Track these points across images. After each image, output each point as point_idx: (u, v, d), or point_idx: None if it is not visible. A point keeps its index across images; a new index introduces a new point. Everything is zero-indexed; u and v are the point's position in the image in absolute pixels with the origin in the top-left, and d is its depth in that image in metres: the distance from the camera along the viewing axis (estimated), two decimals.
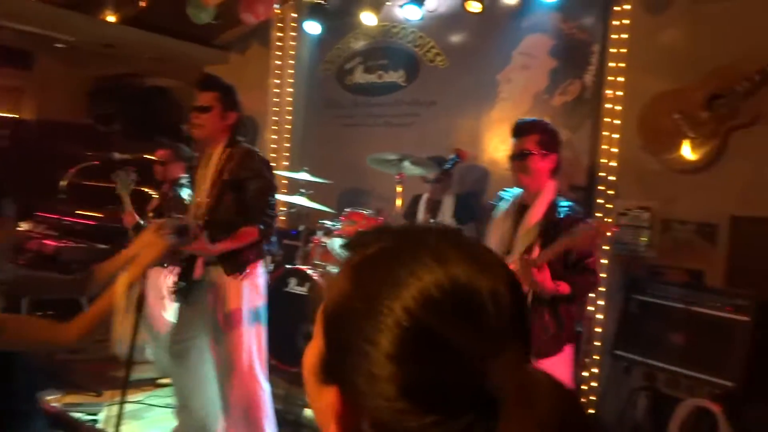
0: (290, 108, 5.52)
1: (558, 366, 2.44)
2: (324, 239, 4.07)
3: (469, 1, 4.18)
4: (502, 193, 2.75)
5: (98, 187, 5.83)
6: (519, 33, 4.36)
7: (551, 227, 2.45)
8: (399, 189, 3.65)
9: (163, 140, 4.22)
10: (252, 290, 2.89)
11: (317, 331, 0.54)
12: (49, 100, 6.81)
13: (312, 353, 0.55)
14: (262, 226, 2.79)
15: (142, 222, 4.03)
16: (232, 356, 2.81)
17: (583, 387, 3.77)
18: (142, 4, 4.68)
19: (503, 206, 2.68)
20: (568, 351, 2.54)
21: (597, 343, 3.76)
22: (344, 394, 0.50)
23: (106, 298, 1.55)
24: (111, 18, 4.76)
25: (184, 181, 3.98)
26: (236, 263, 2.81)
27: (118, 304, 1.52)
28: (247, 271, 2.84)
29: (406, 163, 3.68)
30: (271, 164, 3.01)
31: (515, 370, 0.45)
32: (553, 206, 2.53)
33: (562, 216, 2.49)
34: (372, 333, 0.48)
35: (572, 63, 4.17)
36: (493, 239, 2.55)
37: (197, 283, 2.86)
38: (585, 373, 3.77)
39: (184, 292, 2.90)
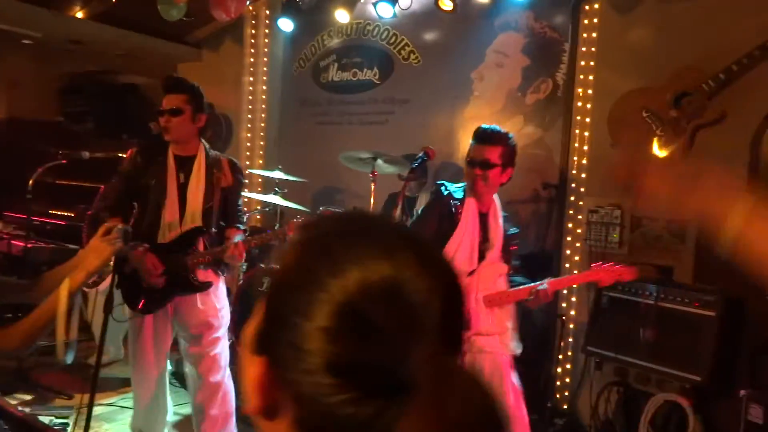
0: (264, 106, 5.47)
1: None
2: None
3: (442, 0, 4.18)
4: (449, 186, 2.70)
5: (69, 186, 5.74)
6: (492, 31, 4.38)
7: (505, 241, 2.66)
8: (372, 187, 3.64)
9: (132, 139, 4.16)
10: (223, 290, 2.98)
11: (260, 304, 0.56)
12: (18, 98, 6.67)
13: (251, 325, 0.57)
14: (241, 226, 2.99)
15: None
16: (215, 356, 2.87)
17: (557, 383, 3.80)
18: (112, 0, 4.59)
19: (457, 198, 2.66)
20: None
21: (570, 340, 3.80)
22: (271, 366, 0.52)
23: (48, 303, 1.51)
24: (79, 14, 4.67)
25: None
26: (219, 265, 2.89)
27: (60, 309, 1.48)
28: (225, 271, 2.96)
29: (379, 161, 3.68)
30: (246, 163, 3.16)
31: (435, 363, 0.47)
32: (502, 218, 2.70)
33: (509, 232, 2.70)
34: (306, 307, 0.49)
35: (544, 61, 4.20)
36: (465, 243, 2.56)
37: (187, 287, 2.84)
38: (558, 369, 3.81)
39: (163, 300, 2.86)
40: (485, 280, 2.53)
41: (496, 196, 2.68)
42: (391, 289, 0.49)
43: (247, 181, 3.02)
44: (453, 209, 2.57)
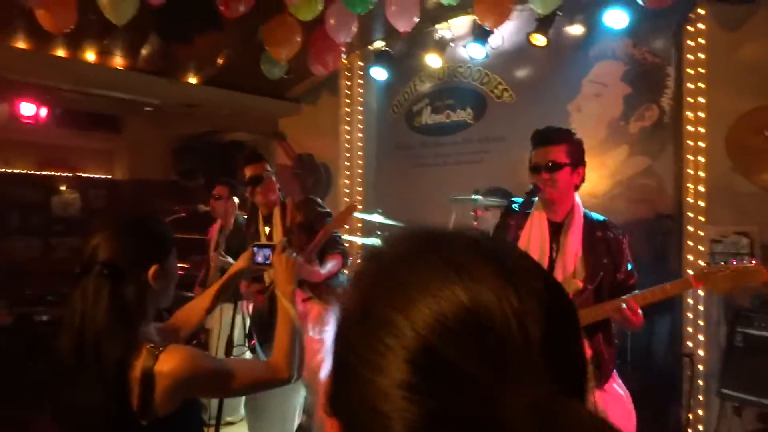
0: (361, 153, 5.63)
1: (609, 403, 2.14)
2: None
3: (533, 35, 4.16)
4: (517, 200, 2.44)
5: (184, 239, 6.15)
6: (588, 61, 4.29)
7: (602, 251, 2.24)
8: (474, 224, 3.60)
9: (222, 178, 4.44)
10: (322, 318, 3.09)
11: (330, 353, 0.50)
12: (138, 160, 7.30)
13: (327, 380, 0.49)
14: (341, 251, 3.12)
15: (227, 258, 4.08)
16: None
17: (688, 431, 3.47)
18: (220, 61, 4.97)
19: (516, 210, 2.40)
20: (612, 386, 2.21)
21: (700, 383, 3.47)
22: (345, 430, 0.45)
23: (283, 322, 1.52)
24: (192, 80, 5.09)
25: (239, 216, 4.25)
26: (327, 293, 3.04)
27: (296, 321, 1.52)
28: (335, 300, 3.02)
29: (480, 198, 3.64)
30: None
31: (539, 408, 0.38)
32: (589, 226, 2.28)
33: (611, 236, 2.27)
34: (376, 357, 0.42)
35: (647, 88, 4.04)
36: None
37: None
38: (690, 416, 3.48)
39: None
40: None
41: (578, 201, 2.32)
42: (469, 318, 0.41)
43: (324, 209, 3.20)
44: (515, 224, 2.34)
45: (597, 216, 2.35)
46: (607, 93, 4.22)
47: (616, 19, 3.71)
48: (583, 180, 2.30)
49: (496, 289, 0.42)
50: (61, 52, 4.43)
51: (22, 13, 3.72)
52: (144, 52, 4.56)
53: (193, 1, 3.86)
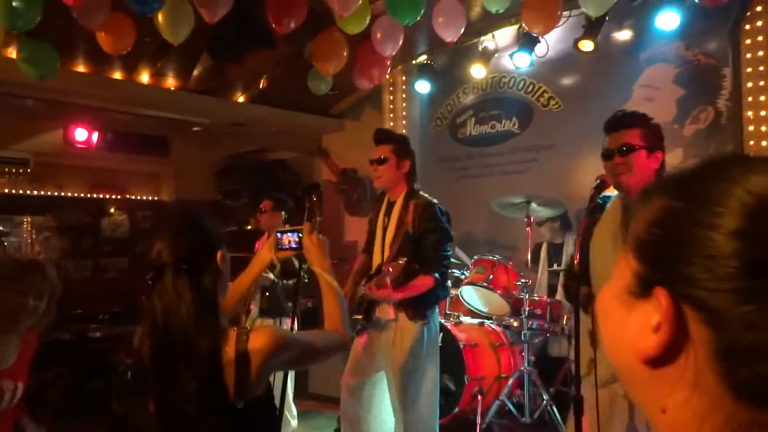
0: None
1: None
2: (453, 289, 4.02)
3: (581, 42, 4.14)
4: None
5: (232, 257, 6.24)
6: (638, 66, 4.24)
7: None
8: (528, 231, 3.55)
9: (269, 192, 4.48)
10: (429, 334, 2.93)
11: (620, 265, 0.51)
12: (184, 181, 7.47)
13: (615, 285, 0.51)
14: (437, 275, 2.84)
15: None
16: (410, 396, 2.86)
17: None
18: (264, 81, 5.07)
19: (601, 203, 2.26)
20: None
21: None
22: (671, 289, 0.45)
23: (329, 294, 1.63)
24: (240, 98, 5.21)
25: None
26: (418, 309, 2.87)
27: (339, 290, 1.65)
28: (427, 317, 2.90)
29: (534, 205, 3.60)
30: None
31: None
32: None
33: None
34: (709, 218, 0.44)
35: (701, 90, 3.96)
36: (598, 239, 2.17)
37: (376, 323, 2.94)
38: None
39: (361, 329, 2.97)
40: None
41: None
42: None
43: (447, 228, 2.91)
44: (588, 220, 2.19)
45: None
46: (659, 97, 4.15)
47: (668, 21, 3.67)
48: (662, 165, 2.16)
49: None
50: (117, 75, 4.60)
51: (83, 37, 3.88)
52: (196, 72, 4.70)
53: (244, 19, 3.96)
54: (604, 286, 0.54)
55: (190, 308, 1.33)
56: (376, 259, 2.93)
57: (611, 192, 2.27)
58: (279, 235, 1.81)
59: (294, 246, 1.79)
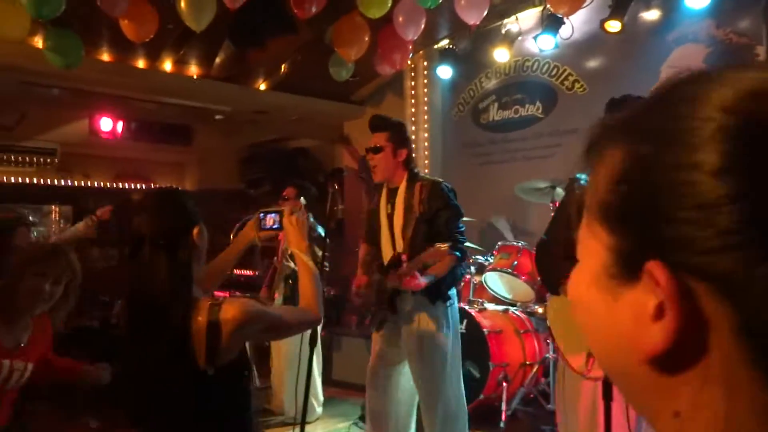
0: (427, 152, 5.61)
1: None
2: (477, 275, 3.99)
3: (608, 22, 4.05)
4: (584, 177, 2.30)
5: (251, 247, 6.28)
6: (666, 46, 4.13)
7: None
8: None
9: (293, 180, 4.46)
10: (452, 314, 2.90)
11: (586, 243, 0.42)
12: (207, 170, 7.52)
13: (586, 269, 0.42)
14: (457, 253, 2.77)
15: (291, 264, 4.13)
16: (437, 383, 2.82)
17: None
18: (285, 67, 5.06)
19: None
20: None
21: None
22: (665, 264, 0.36)
23: (304, 273, 1.71)
24: (262, 86, 5.21)
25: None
26: (438, 291, 2.83)
27: (315, 271, 1.73)
28: (450, 297, 2.86)
29: (559, 190, 3.54)
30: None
31: None
32: None
33: None
34: (684, 156, 0.35)
35: None
36: None
37: (399, 312, 2.88)
38: None
39: (383, 322, 2.93)
40: None
41: None
42: None
43: (457, 204, 2.84)
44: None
45: None
46: None
47: None
48: None
49: None
50: (141, 63, 4.63)
51: (107, 25, 3.90)
52: (218, 60, 4.70)
53: (266, 4, 3.95)
54: (572, 273, 0.44)
55: (164, 279, 1.42)
56: (387, 249, 2.86)
57: None
58: (262, 215, 1.89)
59: (275, 226, 1.87)
